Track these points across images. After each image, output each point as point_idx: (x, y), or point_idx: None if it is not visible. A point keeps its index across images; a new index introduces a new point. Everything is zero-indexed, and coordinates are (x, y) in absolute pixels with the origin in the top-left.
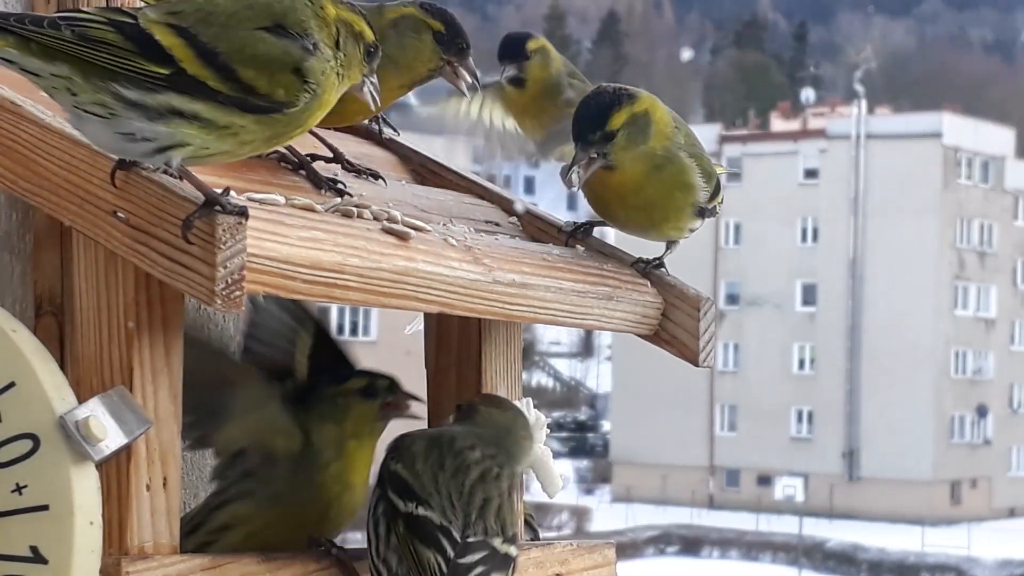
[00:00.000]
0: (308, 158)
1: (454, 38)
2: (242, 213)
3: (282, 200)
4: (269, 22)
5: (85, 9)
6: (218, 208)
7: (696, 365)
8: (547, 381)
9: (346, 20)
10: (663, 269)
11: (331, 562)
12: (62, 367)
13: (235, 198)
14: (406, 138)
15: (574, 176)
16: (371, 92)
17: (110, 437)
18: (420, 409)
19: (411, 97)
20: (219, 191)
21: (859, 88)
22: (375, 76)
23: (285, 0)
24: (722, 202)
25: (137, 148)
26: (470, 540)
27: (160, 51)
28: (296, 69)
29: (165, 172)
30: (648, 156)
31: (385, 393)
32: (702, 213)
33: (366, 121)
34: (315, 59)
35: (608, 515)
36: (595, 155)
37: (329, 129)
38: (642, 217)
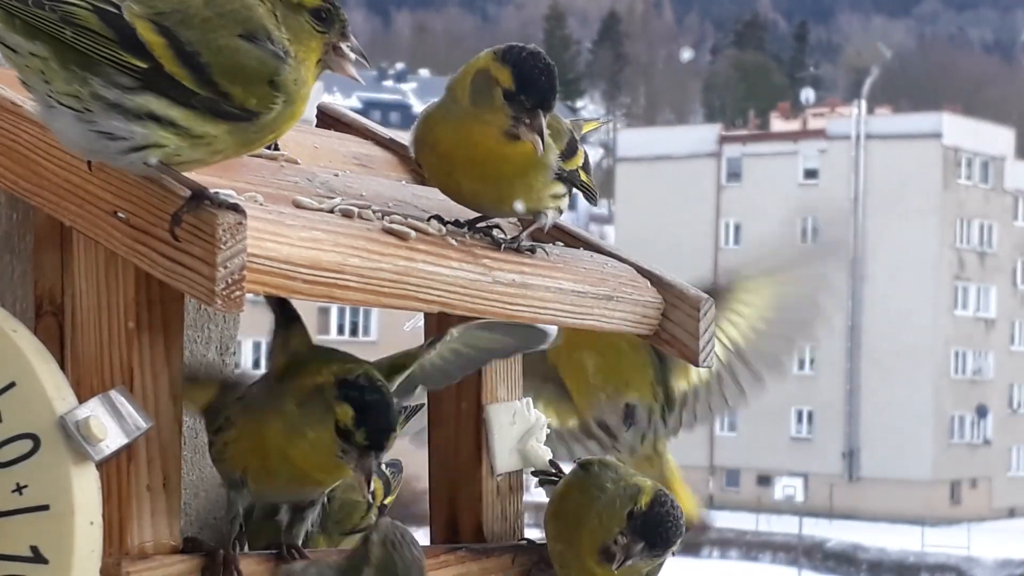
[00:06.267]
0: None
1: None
2: (232, 207)
3: (260, 199)
4: (240, 30)
5: None
6: (206, 202)
7: (696, 365)
8: None
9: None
10: (543, 250)
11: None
12: (62, 367)
13: (222, 192)
14: (406, 138)
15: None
16: (353, 60)
17: (110, 437)
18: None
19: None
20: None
21: (867, 87)
22: (349, 40)
23: (246, 4)
24: (585, 167)
25: (112, 146)
26: None
27: (139, 45)
28: (271, 81)
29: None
30: None
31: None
32: (560, 175)
33: None
34: (288, 68)
35: None
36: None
37: (330, 129)
38: (489, 192)
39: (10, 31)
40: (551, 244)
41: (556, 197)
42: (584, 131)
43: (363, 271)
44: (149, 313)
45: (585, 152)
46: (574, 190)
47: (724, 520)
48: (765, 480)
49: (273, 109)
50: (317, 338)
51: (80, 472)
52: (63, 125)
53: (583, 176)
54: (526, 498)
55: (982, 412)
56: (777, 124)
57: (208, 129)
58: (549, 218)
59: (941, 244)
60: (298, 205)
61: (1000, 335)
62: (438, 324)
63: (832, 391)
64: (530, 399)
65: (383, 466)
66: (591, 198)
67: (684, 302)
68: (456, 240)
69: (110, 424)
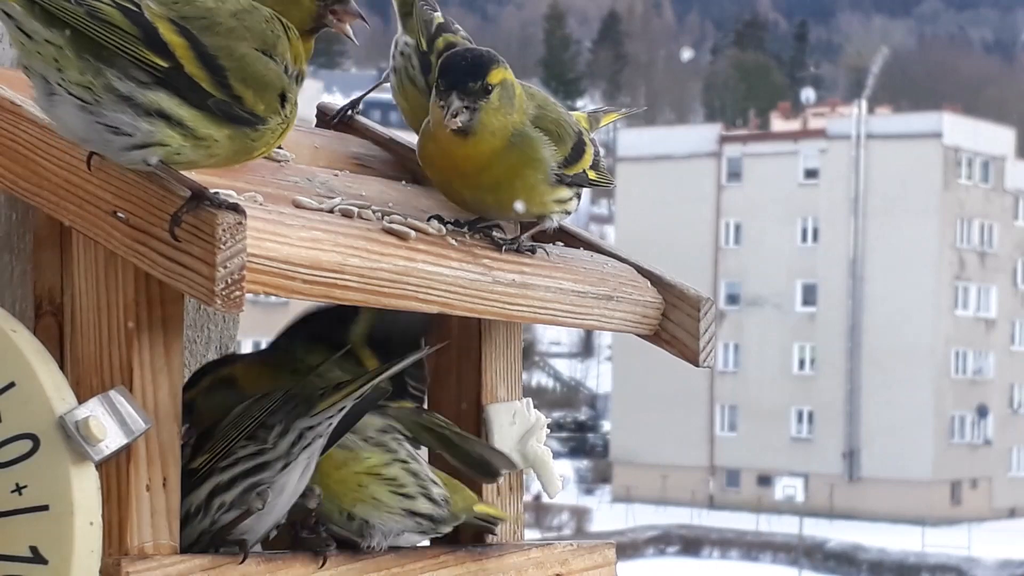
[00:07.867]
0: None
1: None
2: (232, 207)
3: (260, 199)
4: (261, 46)
5: None
6: (206, 202)
7: (696, 365)
8: (547, 381)
9: (297, 53)
10: (543, 251)
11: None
12: (62, 367)
13: (222, 192)
14: (406, 138)
15: (459, 120)
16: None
17: (110, 437)
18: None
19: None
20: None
21: (868, 89)
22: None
23: (274, 30)
24: (595, 165)
25: (115, 141)
26: None
27: (162, 44)
28: (282, 94)
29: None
30: (506, 131)
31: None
32: (561, 180)
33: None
34: (293, 92)
35: (608, 515)
36: (469, 106)
37: (328, 129)
38: (490, 198)
39: (29, 17)
40: (551, 244)
41: (561, 201)
42: (604, 123)
43: (363, 271)
44: (149, 313)
45: (595, 148)
46: (586, 188)
47: (724, 520)
48: (765, 480)
49: (274, 119)
50: None
51: (80, 472)
52: (65, 113)
53: (592, 175)
54: (526, 498)
55: (982, 412)
56: (777, 124)
57: (211, 132)
58: (554, 222)
59: (941, 244)
60: (298, 205)
61: (1000, 335)
62: (438, 324)
63: (832, 391)
64: (530, 399)
65: None
66: (608, 188)
67: (684, 302)
68: (456, 240)
69: (110, 424)
